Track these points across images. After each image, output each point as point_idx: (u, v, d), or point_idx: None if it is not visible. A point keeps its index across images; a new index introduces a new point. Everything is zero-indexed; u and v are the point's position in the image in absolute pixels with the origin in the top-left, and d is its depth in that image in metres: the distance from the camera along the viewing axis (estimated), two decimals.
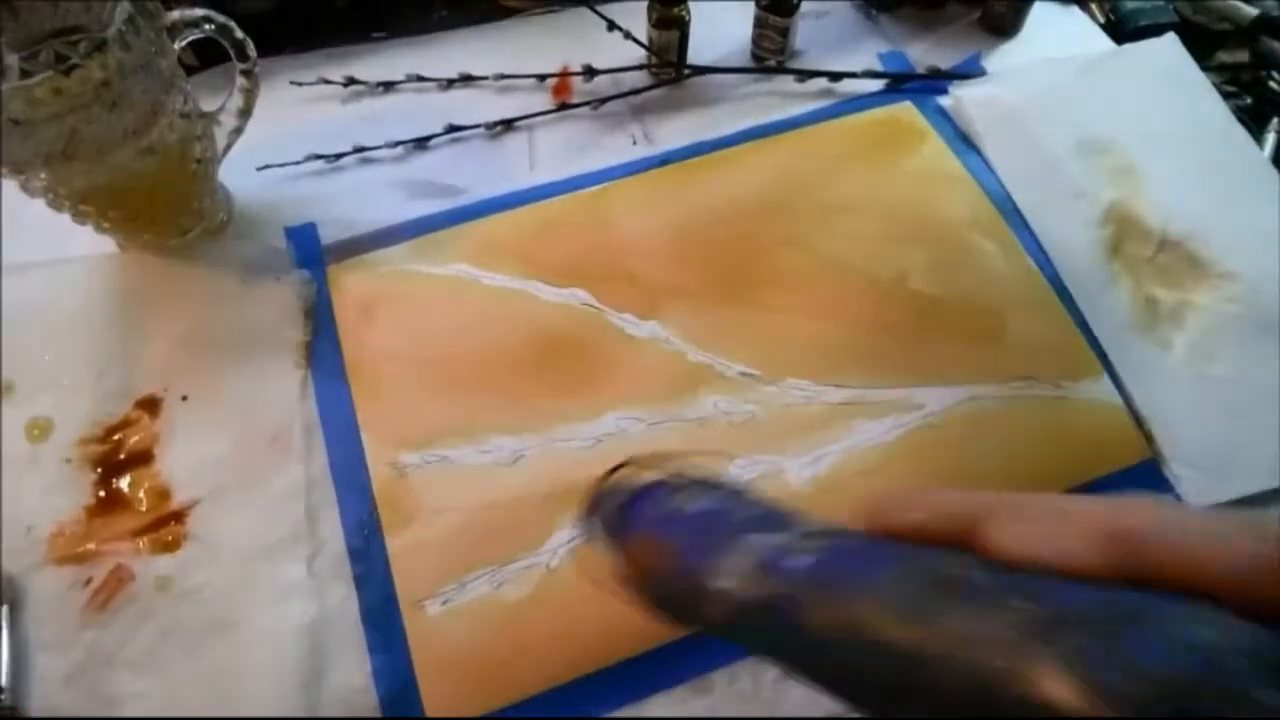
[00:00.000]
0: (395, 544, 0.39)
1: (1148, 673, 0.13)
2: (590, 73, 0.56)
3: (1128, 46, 0.56)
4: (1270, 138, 0.53)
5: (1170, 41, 0.55)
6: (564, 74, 0.56)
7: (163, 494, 0.40)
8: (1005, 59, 0.57)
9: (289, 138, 0.53)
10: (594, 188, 0.51)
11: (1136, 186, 0.49)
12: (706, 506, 0.22)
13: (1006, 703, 0.14)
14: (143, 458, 0.41)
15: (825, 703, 0.38)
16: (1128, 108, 0.52)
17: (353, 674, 0.37)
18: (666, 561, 0.21)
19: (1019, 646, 0.14)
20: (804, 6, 0.55)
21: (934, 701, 0.15)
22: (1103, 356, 0.44)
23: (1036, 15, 0.58)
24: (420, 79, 0.56)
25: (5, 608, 0.37)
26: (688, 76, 0.56)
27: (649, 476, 0.24)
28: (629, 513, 0.23)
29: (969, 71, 0.56)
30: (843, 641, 0.17)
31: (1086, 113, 0.52)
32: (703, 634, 0.21)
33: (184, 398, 0.43)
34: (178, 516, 0.40)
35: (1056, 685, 0.13)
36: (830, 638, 0.17)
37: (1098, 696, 0.13)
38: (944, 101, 0.55)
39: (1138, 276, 0.47)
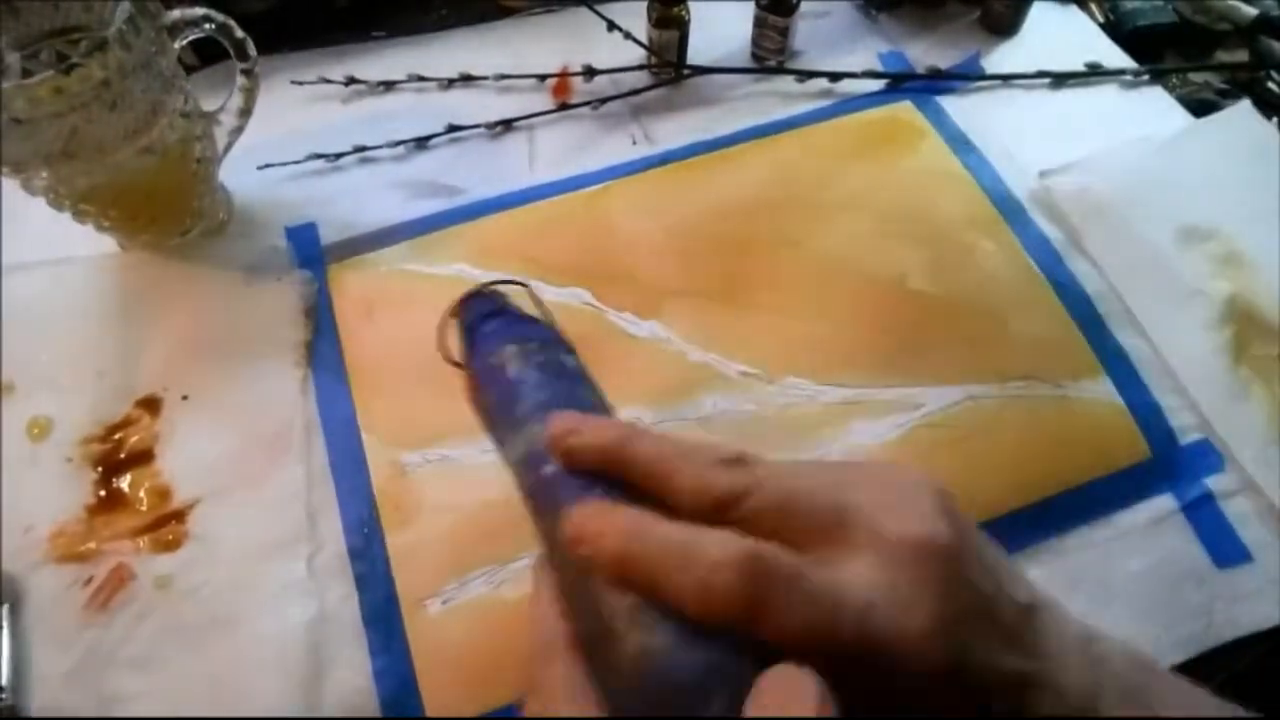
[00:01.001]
0: (396, 543, 0.39)
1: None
2: (590, 73, 0.56)
3: (1203, 121, 0.53)
4: None
5: (1246, 111, 0.53)
6: (564, 74, 0.56)
7: (163, 493, 0.40)
8: (1005, 59, 0.57)
9: (289, 137, 0.53)
10: (594, 187, 0.51)
11: (1249, 276, 0.46)
12: (519, 377, 0.25)
13: None
14: (143, 457, 0.41)
15: None
16: (1219, 187, 0.49)
17: (353, 673, 0.37)
18: (478, 403, 0.26)
19: None
20: (804, 6, 0.55)
21: None
22: (1244, 475, 0.41)
23: (1036, 15, 0.59)
24: (420, 79, 0.56)
25: (6, 607, 0.37)
26: (687, 76, 0.56)
27: (499, 306, 0.28)
28: (473, 335, 0.27)
29: (968, 71, 0.56)
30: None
31: (1180, 197, 0.49)
32: None
33: (184, 397, 0.43)
34: (178, 516, 0.40)
35: None
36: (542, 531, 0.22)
37: None
38: (944, 102, 0.55)
39: (1269, 380, 0.43)
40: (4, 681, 0.36)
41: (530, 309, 0.28)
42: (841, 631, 0.18)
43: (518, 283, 0.29)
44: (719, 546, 0.18)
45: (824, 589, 0.19)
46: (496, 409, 0.25)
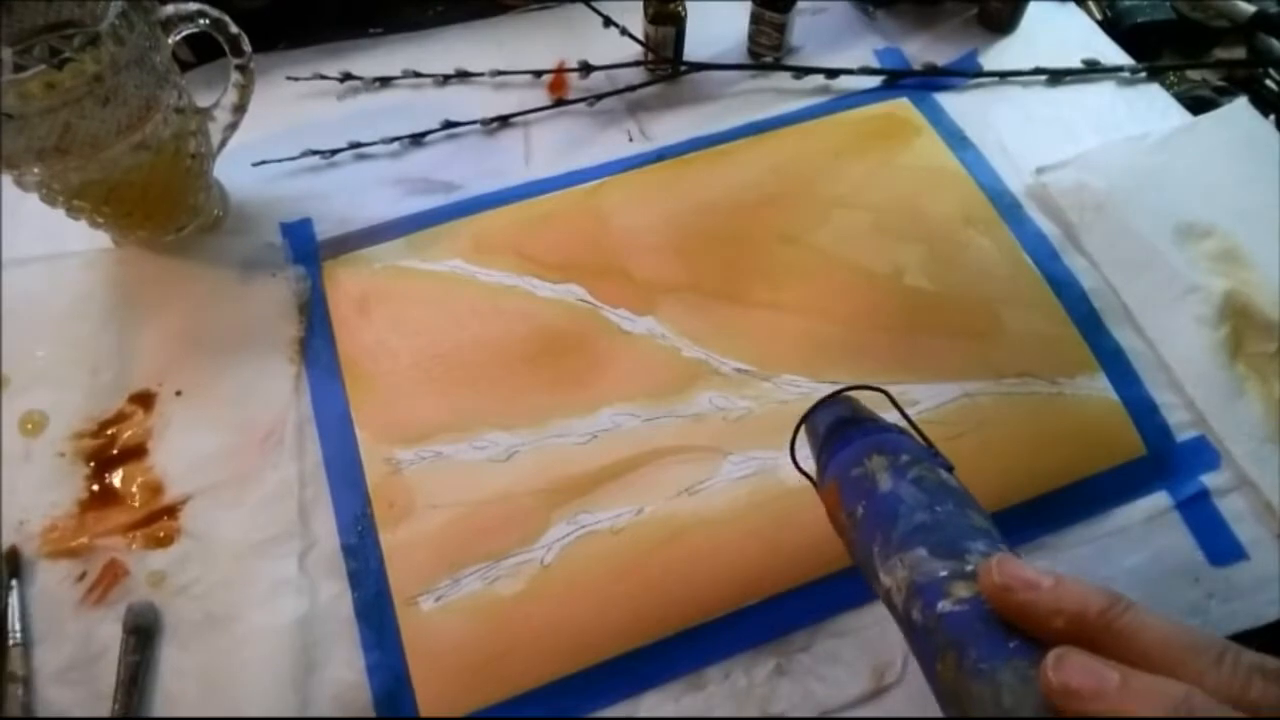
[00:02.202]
0: (389, 540, 0.39)
1: None
2: (586, 69, 0.56)
3: (1200, 118, 0.53)
4: None
5: (1243, 108, 0.53)
6: (560, 70, 0.56)
7: (155, 489, 0.40)
8: (1003, 56, 0.57)
9: (285, 133, 0.53)
10: (590, 184, 0.51)
11: (1246, 272, 0.46)
12: (894, 492, 0.23)
13: None
14: (136, 452, 0.41)
15: (816, 700, 0.38)
16: (1217, 185, 0.49)
17: (346, 669, 0.37)
18: (843, 520, 0.24)
19: None
20: (801, 3, 0.55)
21: None
22: (1240, 472, 0.41)
23: (1033, 12, 0.58)
24: (416, 75, 0.56)
25: (16, 583, 0.37)
26: (684, 73, 0.56)
27: (862, 418, 0.26)
28: (832, 448, 0.25)
29: (965, 68, 0.56)
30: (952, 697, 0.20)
31: (1177, 194, 0.49)
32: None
33: (178, 393, 0.43)
34: (170, 512, 0.40)
35: None
36: (944, 688, 0.20)
37: None
38: (941, 99, 0.55)
39: (1266, 377, 0.43)
40: (22, 671, 0.35)
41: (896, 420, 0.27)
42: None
43: (876, 389, 0.27)
44: None
45: None
46: (868, 527, 0.23)
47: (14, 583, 0.37)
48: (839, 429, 0.26)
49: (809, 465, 0.28)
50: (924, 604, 0.21)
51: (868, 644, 0.37)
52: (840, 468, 0.25)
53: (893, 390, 0.43)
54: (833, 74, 0.56)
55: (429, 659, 0.37)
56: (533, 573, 0.38)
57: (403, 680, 0.36)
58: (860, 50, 0.58)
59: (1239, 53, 0.58)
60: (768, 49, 0.57)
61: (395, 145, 0.53)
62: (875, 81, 0.56)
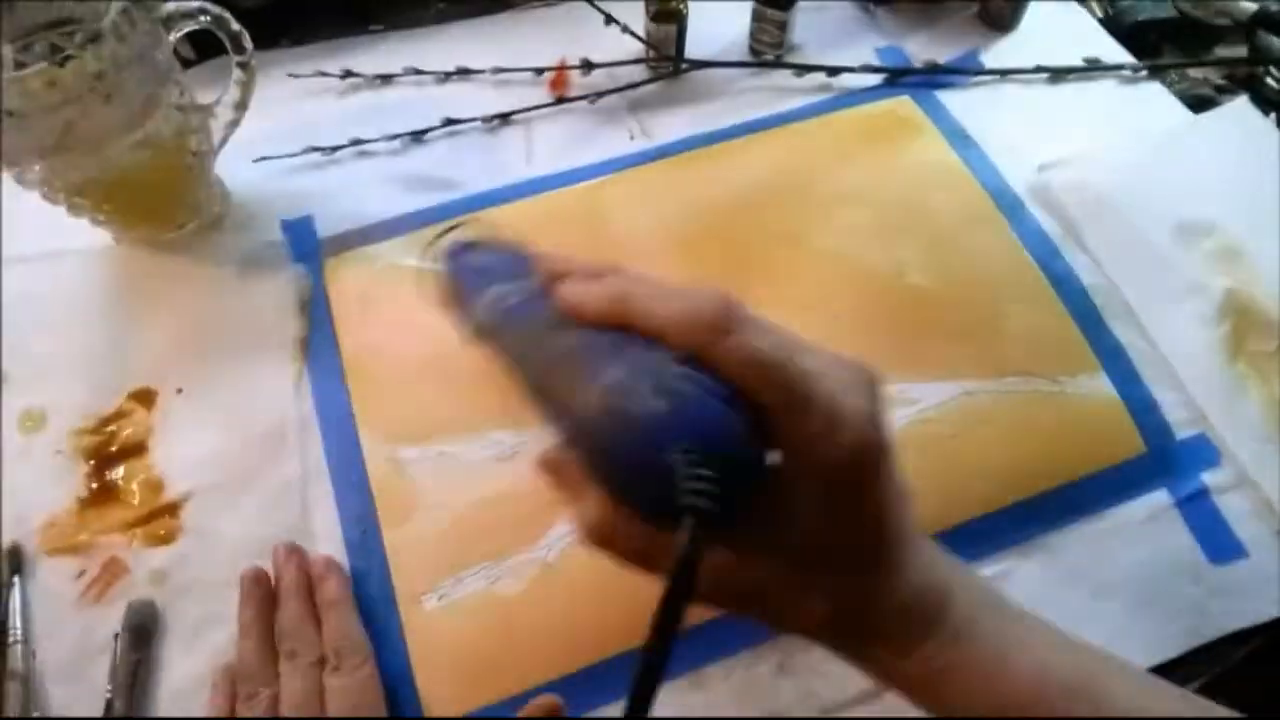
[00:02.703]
0: (393, 539, 0.39)
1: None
2: (588, 66, 0.56)
3: (1201, 117, 0.53)
4: None
5: (1244, 107, 0.53)
6: (561, 68, 0.56)
7: (156, 487, 0.40)
8: (1004, 54, 0.57)
9: (286, 131, 0.52)
10: (591, 181, 0.51)
11: (1247, 271, 0.46)
12: (482, 263, 0.29)
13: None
14: (136, 450, 0.41)
15: (818, 698, 0.38)
16: (1218, 183, 0.49)
17: None
18: (454, 296, 0.30)
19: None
20: (802, 0, 0.55)
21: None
22: (1240, 470, 0.41)
23: (1034, 10, 0.58)
24: (418, 72, 0.56)
25: (18, 579, 0.37)
26: (685, 70, 0.56)
27: (468, 237, 0.31)
28: (451, 262, 0.31)
29: (967, 66, 0.56)
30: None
31: (1178, 192, 0.49)
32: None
33: (179, 390, 0.43)
34: (171, 509, 0.40)
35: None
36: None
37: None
38: (942, 97, 0.55)
39: (1266, 376, 0.43)
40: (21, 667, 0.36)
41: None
42: (790, 371, 0.21)
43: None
44: (703, 289, 0.22)
45: (784, 340, 0.22)
46: (465, 292, 0.29)
47: (15, 579, 0.37)
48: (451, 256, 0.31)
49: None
50: (495, 310, 0.27)
51: None
52: (454, 268, 0.30)
53: (893, 387, 0.43)
54: (834, 72, 0.55)
55: (432, 657, 0.37)
56: (535, 572, 0.38)
57: (406, 678, 0.36)
58: (862, 48, 0.57)
59: (1240, 51, 0.58)
60: (769, 47, 0.57)
61: (396, 143, 0.53)
62: (877, 79, 0.56)
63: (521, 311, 0.26)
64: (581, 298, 0.23)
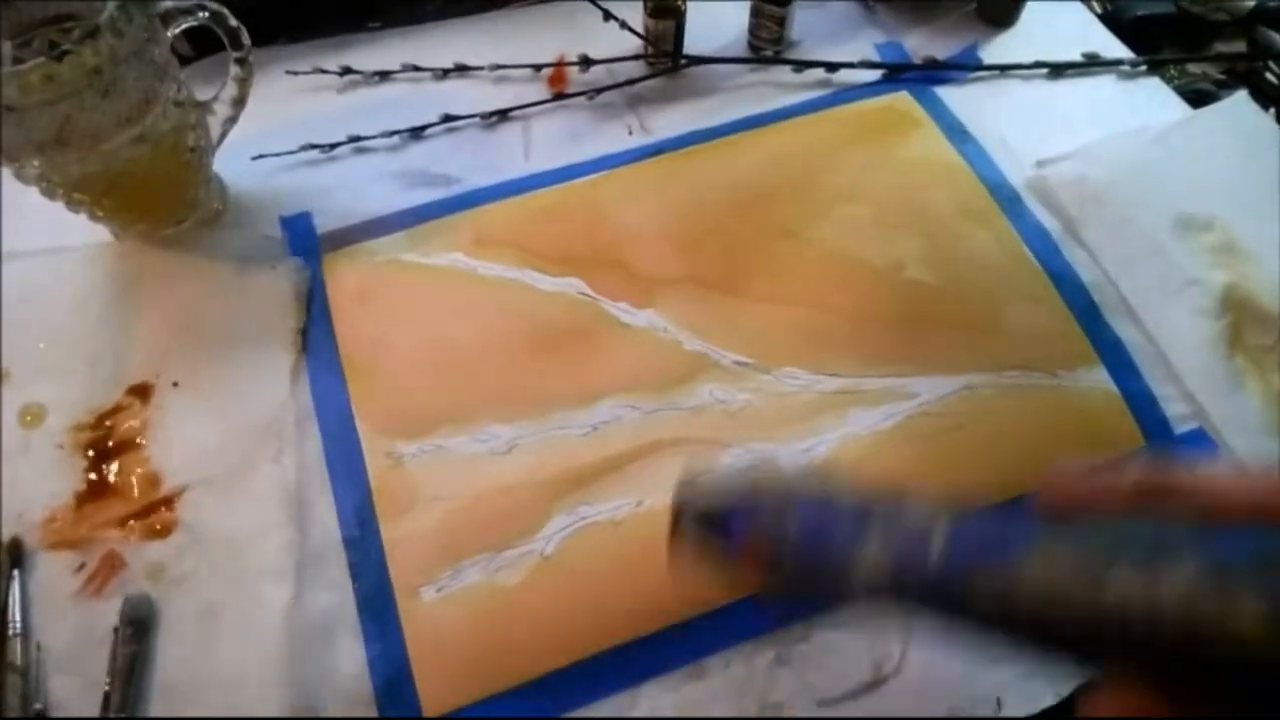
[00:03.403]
0: (390, 532, 0.39)
1: None
2: (586, 63, 0.56)
3: (1200, 112, 0.53)
4: None
5: (1243, 101, 0.53)
6: (560, 64, 0.56)
7: (153, 480, 0.40)
8: (1003, 50, 0.57)
9: (284, 127, 0.52)
10: (590, 177, 0.51)
11: (1246, 265, 0.46)
12: (806, 515, 0.24)
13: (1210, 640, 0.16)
14: (132, 444, 0.41)
15: (816, 690, 0.38)
16: (1217, 178, 0.49)
17: (347, 661, 0.37)
18: (785, 552, 0.24)
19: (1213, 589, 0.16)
20: None
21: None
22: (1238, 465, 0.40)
23: (1033, 5, 0.58)
24: (416, 69, 0.56)
25: (18, 573, 0.37)
26: (684, 66, 0.56)
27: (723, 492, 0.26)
28: (726, 527, 0.25)
29: (966, 62, 0.56)
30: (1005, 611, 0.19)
31: (1177, 187, 0.49)
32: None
33: (175, 383, 0.43)
34: (167, 503, 0.40)
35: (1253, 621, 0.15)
36: (992, 610, 0.19)
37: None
38: (941, 92, 0.55)
39: (1264, 370, 0.43)
40: (19, 661, 0.36)
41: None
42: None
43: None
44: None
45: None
46: (813, 549, 0.23)
47: (15, 574, 0.37)
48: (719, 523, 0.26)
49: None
50: (909, 564, 0.21)
51: (866, 635, 0.37)
52: (749, 529, 0.25)
53: (893, 382, 0.43)
54: (833, 67, 0.55)
55: (430, 650, 0.37)
56: (533, 564, 0.38)
57: (404, 671, 0.36)
58: (860, 44, 0.58)
59: (1239, 46, 0.58)
60: (768, 42, 0.57)
61: (395, 139, 0.53)
62: (875, 75, 0.56)
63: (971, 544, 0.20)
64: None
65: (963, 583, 0.20)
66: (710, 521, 0.26)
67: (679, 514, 0.26)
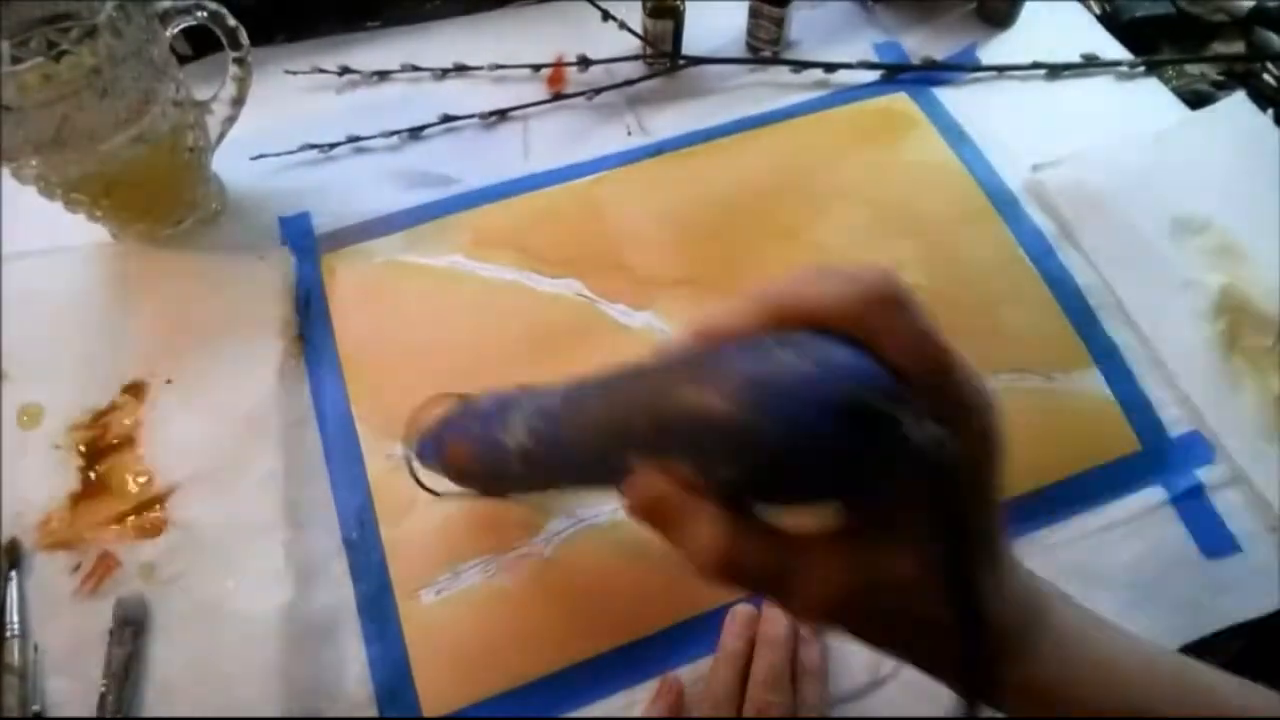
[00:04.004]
0: (390, 534, 0.39)
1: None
2: (585, 63, 0.56)
3: (1198, 113, 0.53)
4: None
5: (1241, 103, 0.53)
6: (559, 64, 0.56)
7: (145, 479, 0.40)
8: (1001, 50, 0.57)
9: (283, 127, 0.52)
10: (588, 178, 0.51)
11: (1243, 267, 0.46)
12: (485, 408, 0.30)
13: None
14: (126, 442, 0.41)
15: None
16: (1214, 180, 0.49)
17: (348, 662, 0.37)
18: (471, 450, 0.30)
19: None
20: None
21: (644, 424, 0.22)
22: (1234, 467, 0.41)
23: (1032, 6, 0.58)
24: (415, 69, 0.56)
25: (15, 574, 0.37)
26: (682, 67, 0.56)
27: (449, 406, 0.33)
28: (443, 432, 0.33)
29: (964, 62, 0.56)
30: (581, 429, 0.25)
31: (1174, 189, 0.49)
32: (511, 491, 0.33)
33: (168, 381, 0.43)
34: (159, 501, 0.39)
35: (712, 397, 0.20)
36: (574, 437, 0.25)
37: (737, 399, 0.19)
38: (939, 93, 0.55)
39: (1261, 371, 0.43)
40: (17, 661, 0.36)
41: None
42: (950, 351, 0.21)
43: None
44: (861, 269, 0.21)
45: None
46: (482, 439, 0.29)
47: (12, 574, 0.37)
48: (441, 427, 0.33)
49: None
50: (535, 419, 0.27)
51: None
52: (452, 432, 0.32)
53: None
54: (831, 68, 0.56)
55: (430, 652, 0.37)
56: (533, 566, 0.38)
57: (404, 673, 0.36)
58: (859, 44, 0.58)
59: (1237, 47, 0.58)
60: (766, 43, 0.57)
61: (393, 139, 0.53)
62: (874, 76, 0.56)
63: (571, 396, 0.25)
64: (733, 314, 0.22)
65: (561, 417, 0.25)
66: (424, 447, 0.34)
67: (406, 455, 0.34)
